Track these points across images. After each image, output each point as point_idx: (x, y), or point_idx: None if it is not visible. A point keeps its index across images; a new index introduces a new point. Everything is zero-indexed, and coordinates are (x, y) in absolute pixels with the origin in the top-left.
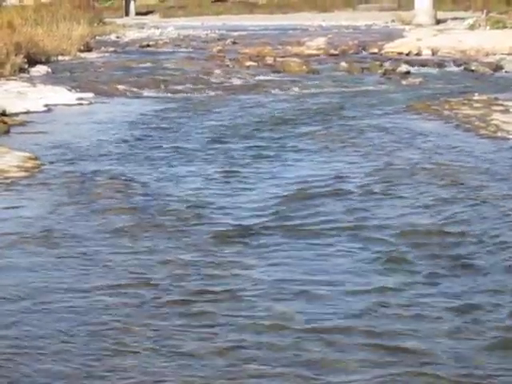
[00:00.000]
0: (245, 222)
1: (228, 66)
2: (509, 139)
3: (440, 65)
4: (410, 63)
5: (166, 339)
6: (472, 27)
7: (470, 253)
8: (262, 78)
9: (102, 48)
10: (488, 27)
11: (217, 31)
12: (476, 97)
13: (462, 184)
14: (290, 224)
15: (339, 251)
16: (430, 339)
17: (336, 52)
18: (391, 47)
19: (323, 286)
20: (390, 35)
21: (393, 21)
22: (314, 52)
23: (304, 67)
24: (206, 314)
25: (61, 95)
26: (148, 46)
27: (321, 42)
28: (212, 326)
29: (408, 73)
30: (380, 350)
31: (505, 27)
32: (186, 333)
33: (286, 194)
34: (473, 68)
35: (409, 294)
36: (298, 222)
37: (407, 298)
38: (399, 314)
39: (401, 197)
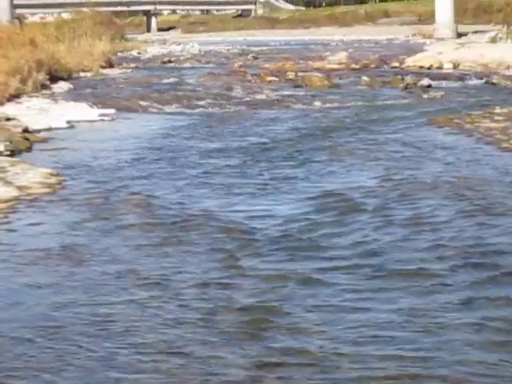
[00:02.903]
0: (269, 241)
1: (250, 81)
2: None
3: (461, 78)
4: (432, 77)
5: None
6: (493, 40)
7: (491, 263)
8: (283, 93)
9: (124, 64)
10: (509, 40)
11: (238, 46)
12: (497, 110)
13: (485, 197)
14: (313, 242)
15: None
16: None
17: (357, 66)
18: (412, 61)
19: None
20: (411, 49)
21: (414, 35)
22: (336, 66)
23: (325, 82)
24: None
25: (83, 111)
26: (170, 61)
27: (342, 56)
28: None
29: (429, 86)
30: None
31: None
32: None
33: (308, 209)
34: (494, 81)
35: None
36: (323, 239)
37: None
38: None
39: (424, 211)
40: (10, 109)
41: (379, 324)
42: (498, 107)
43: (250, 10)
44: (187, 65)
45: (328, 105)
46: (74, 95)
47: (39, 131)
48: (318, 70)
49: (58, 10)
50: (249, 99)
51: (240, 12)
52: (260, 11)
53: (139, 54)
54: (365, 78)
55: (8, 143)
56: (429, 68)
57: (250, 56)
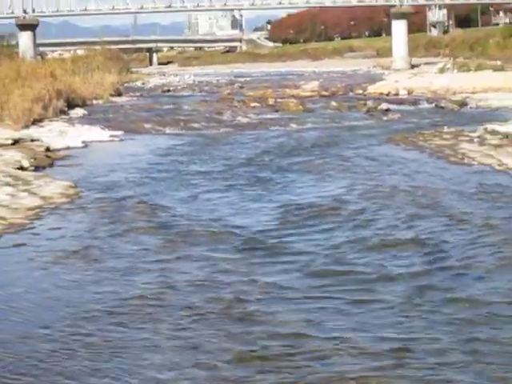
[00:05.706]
0: (258, 243)
1: (236, 106)
2: (474, 165)
3: (415, 103)
4: (390, 102)
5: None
6: (442, 70)
7: (441, 257)
8: (264, 116)
9: (130, 93)
10: (455, 70)
11: (226, 77)
12: (445, 129)
13: (436, 203)
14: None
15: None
16: None
17: (327, 93)
18: (373, 88)
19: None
20: (372, 78)
21: (374, 66)
22: (309, 93)
23: (300, 106)
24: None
25: (95, 133)
26: (169, 90)
27: (314, 85)
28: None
29: (388, 110)
30: None
31: (469, 70)
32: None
33: (285, 215)
34: (442, 105)
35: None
36: (299, 238)
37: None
38: None
39: (384, 214)
40: (34, 131)
41: None
42: (445, 127)
43: (236, 47)
44: (183, 93)
45: (302, 126)
46: (88, 119)
47: (59, 150)
48: (293, 96)
49: (74, 48)
50: (236, 122)
51: (228, 48)
52: (245, 47)
53: (143, 84)
54: (333, 103)
55: (32, 160)
56: (387, 94)
57: (236, 85)
